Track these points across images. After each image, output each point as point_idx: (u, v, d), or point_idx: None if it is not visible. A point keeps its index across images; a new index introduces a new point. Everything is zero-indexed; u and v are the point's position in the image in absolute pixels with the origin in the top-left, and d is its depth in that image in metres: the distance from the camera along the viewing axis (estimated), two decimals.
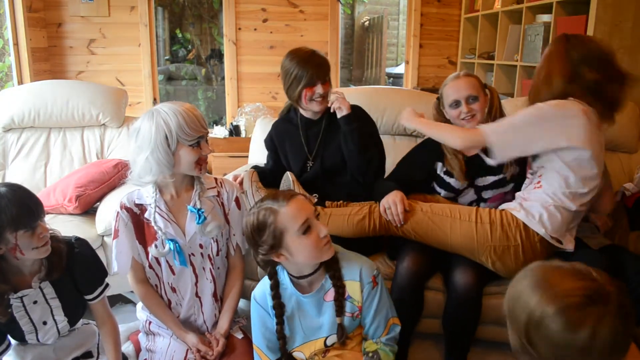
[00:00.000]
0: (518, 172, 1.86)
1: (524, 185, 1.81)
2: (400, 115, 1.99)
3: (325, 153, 2.05)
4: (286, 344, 1.41)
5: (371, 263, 1.43)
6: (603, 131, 1.69)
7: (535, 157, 1.74)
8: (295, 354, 1.43)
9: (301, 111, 2.08)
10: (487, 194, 1.90)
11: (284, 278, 1.40)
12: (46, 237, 1.35)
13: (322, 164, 2.04)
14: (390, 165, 2.55)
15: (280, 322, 1.39)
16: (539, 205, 1.66)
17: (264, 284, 1.43)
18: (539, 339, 0.88)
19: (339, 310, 1.37)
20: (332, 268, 1.38)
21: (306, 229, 1.28)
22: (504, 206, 1.78)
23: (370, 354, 1.39)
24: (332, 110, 1.97)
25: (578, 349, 0.84)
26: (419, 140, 2.26)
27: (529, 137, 1.65)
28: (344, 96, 1.97)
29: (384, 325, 1.42)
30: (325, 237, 1.31)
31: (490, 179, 1.88)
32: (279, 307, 1.38)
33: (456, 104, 1.86)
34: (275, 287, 1.38)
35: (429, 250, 1.81)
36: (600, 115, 1.65)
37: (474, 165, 1.85)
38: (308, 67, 1.91)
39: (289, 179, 1.97)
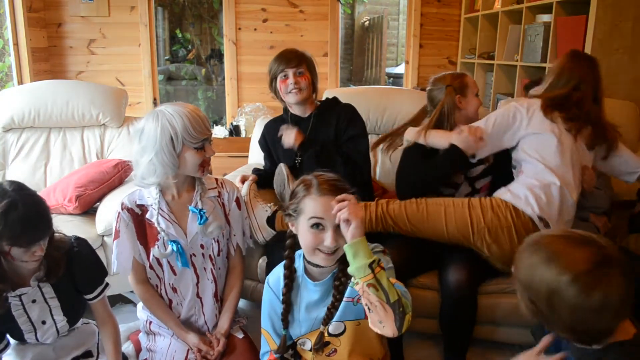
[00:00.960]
0: (494, 158, 1.98)
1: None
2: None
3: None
4: (289, 312, 1.40)
5: (378, 245, 1.40)
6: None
7: (513, 152, 1.89)
8: (301, 341, 1.42)
9: (290, 109, 2.11)
10: (479, 184, 1.98)
11: (299, 264, 1.41)
12: (39, 256, 1.33)
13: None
14: (391, 164, 2.55)
15: (288, 288, 1.38)
16: (524, 187, 1.76)
17: (279, 270, 1.44)
18: (559, 306, 0.98)
19: (336, 297, 1.35)
20: (343, 266, 1.35)
21: (315, 226, 1.28)
22: (493, 195, 1.85)
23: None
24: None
25: (593, 310, 0.95)
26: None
27: (500, 135, 1.86)
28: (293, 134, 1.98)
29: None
30: (326, 247, 1.28)
31: (480, 168, 1.96)
32: (289, 276, 1.38)
33: (477, 95, 2.04)
34: (292, 248, 1.39)
35: (412, 247, 1.84)
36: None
37: None
38: (279, 60, 2.00)
39: (282, 172, 1.97)
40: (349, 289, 1.35)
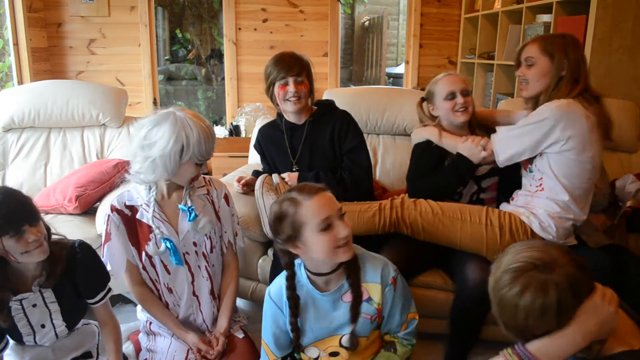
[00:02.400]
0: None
1: (524, 181, 1.84)
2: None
3: (312, 158, 2.05)
4: (299, 338, 1.40)
5: (391, 264, 1.43)
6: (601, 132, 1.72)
7: (537, 158, 1.76)
8: (308, 350, 1.42)
9: (285, 116, 2.08)
10: (485, 183, 1.96)
11: (300, 274, 1.40)
12: (37, 242, 1.31)
13: (310, 170, 2.04)
14: (391, 164, 2.55)
15: (294, 314, 1.37)
16: (546, 214, 1.70)
17: (280, 281, 1.43)
18: (499, 303, 1.04)
19: (354, 316, 1.36)
20: (352, 271, 1.37)
21: (326, 227, 1.27)
22: (511, 208, 1.80)
23: (386, 345, 1.42)
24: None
25: (533, 312, 0.99)
26: None
27: (534, 145, 1.70)
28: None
29: (403, 321, 1.43)
30: (344, 238, 1.28)
31: (486, 167, 1.94)
32: (292, 298, 1.37)
33: (452, 95, 1.92)
34: (291, 278, 1.37)
35: (415, 246, 1.83)
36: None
37: None
38: (280, 65, 1.95)
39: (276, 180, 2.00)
40: (365, 305, 1.38)
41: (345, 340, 1.38)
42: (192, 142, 1.45)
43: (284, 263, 1.38)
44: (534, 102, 1.80)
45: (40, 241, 1.32)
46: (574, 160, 1.67)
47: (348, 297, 1.38)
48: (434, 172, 1.91)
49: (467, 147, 1.82)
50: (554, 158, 1.69)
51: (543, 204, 1.72)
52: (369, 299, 1.38)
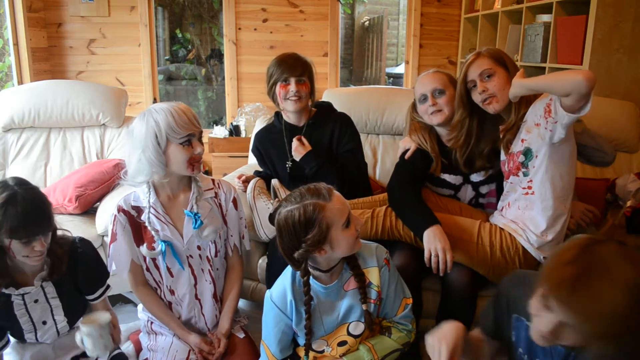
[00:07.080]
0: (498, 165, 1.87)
1: (510, 188, 1.76)
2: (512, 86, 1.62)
3: None
4: (311, 339, 1.42)
5: (381, 247, 1.46)
6: None
7: (528, 155, 1.68)
8: (314, 344, 1.43)
9: (284, 117, 2.09)
10: (484, 189, 1.92)
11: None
12: (40, 252, 1.33)
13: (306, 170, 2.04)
14: (391, 164, 2.56)
15: (309, 318, 1.39)
16: (537, 233, 1.67)
17: (283, 283, 1.42)
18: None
19: (364, 297, 1.39)
20: (350, 258, 1.40)
21: (348, 223, 1.31)
22: (503, 222, 1.75)
23: (382, 330, 1.45)
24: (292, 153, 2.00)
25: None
26: None
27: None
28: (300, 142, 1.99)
29: (399, 305, 1.46)
30: (360, 228, 1.35)
31: (482, 174, 1.90)
32: (309, 303, 1.38)
33: (424, 98, 1.87)
34: (308, 284, 1.37)
35: (417, 252, 1.80)
36: None
37: (467, 160, 1.87)
38: (283, 65, 1.96)
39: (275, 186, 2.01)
40: (367, 290, 1.40)
41: (353, 328, 1.40)
42: (162, 124, 1.46)
43: (302, 271, 1.36)
44: (497, 116, 1.74)
45: (43, 252, 1.34)
46: (571, 151, 1.64)
47: (349, 285, 1.40)
48: (413, 201, 1.79)
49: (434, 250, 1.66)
50: (556, 152, 1.61)
51: (534, 220, 1.67)
52: (370, 284, 1.41)
